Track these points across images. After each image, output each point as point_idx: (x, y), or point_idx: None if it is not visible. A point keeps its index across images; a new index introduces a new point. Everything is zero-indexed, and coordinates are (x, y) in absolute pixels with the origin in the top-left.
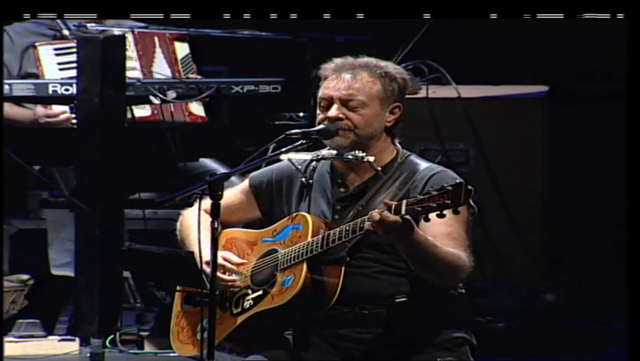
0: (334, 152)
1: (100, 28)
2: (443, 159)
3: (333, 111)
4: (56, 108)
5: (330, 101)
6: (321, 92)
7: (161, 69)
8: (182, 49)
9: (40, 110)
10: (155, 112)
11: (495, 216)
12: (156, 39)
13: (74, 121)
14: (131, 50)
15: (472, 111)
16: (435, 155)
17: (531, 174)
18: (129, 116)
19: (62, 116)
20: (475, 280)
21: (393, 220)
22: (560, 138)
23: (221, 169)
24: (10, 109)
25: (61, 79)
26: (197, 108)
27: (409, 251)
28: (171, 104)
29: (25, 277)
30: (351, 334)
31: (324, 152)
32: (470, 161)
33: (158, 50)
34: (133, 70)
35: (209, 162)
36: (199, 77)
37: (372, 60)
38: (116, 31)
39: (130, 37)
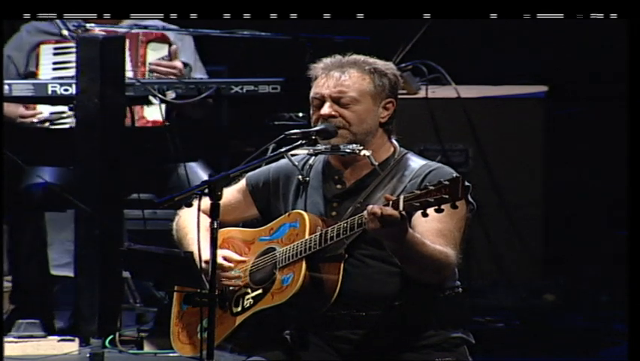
0: (330, 146)
1: (99, 28)
2: (442, 159)
3: (326, 109)
4: (40, 108)
5: (321, 100)
6: (312, 92)
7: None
8: (156, 52)
9: (19, 110)
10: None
11: (494, 216)
12: (127, 41)
13: (47, 124)
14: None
15: (471, 111)
16: (434, 155)
17: (530, 174)
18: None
19: (40, 117)
20: (474, 279)
21: (389, 214)
22: (560, 138)
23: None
24: (7, 108)
25: (53, 78)
26: (151, 113)
27: (397, 248)
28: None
29: None
30: (349, 336)
31: (321, 146)
32: (469, 161)
33: (127, 53)
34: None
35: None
36: (202, 77)
37: (361, 57)
38: (122, 30)
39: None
